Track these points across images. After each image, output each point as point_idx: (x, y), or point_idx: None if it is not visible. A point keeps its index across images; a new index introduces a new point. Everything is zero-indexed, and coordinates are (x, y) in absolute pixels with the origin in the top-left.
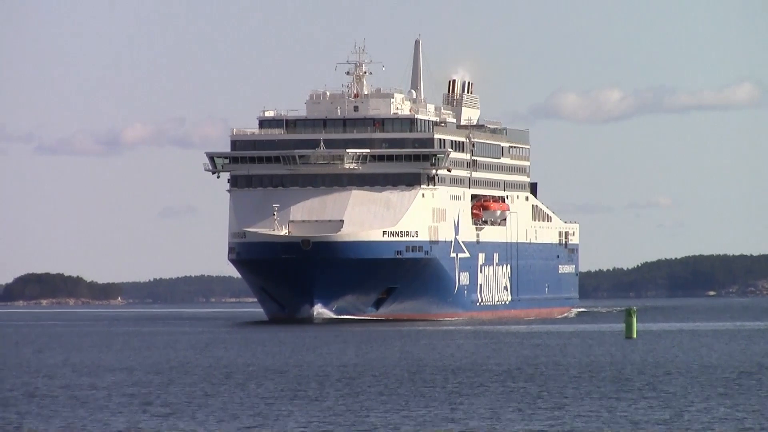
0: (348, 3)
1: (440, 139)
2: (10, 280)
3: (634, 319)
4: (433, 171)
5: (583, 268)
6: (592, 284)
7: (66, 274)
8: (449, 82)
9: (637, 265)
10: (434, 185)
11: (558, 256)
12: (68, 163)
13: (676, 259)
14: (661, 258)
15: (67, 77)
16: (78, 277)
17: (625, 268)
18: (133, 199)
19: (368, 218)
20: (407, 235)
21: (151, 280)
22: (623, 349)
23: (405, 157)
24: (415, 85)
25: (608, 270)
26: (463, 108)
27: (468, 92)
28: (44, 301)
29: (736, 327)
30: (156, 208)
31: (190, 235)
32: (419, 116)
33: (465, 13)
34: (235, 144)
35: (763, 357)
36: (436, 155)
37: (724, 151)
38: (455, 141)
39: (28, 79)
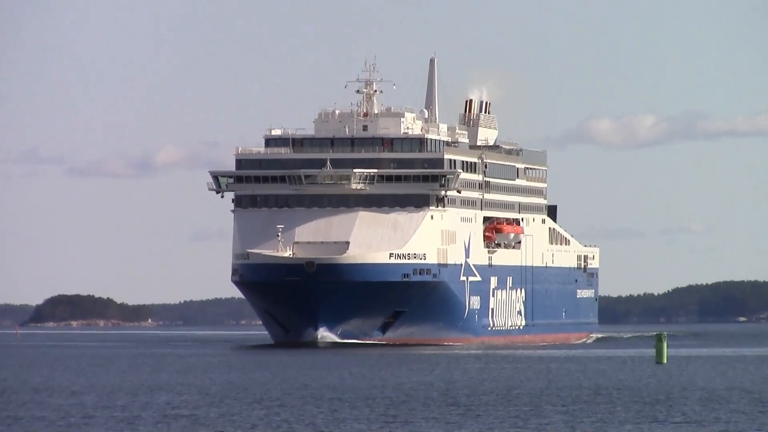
0: (362, 20)
1: (450, 160)
2: (40, 302)
3: (665, 344)
4: (443, 192)
5: (613, 294)
6: (623, 309)
7: (96, 295)
8: (466, 101)
9: (668, 291)
10: (444, 207)
11: (576, 281)
12: (99, 185)
13: (707, 284)
14: (692, 283)
15: (99, 100)
16: (108, 298)
17: (655, 294)
18: (165, 221)
19: (375, 240)
20: (415, 257)
21: (182, 302)
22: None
23: (414, 178)
24: (429, 104)
25: (639, 295)
26: (479, 128)
27: (485, 112)
28: (74, 323)
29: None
30: (187, 230)
31: (221, 257)
32: (429, 136)
33: (483, 33)
34: (240, 163)
35: None
36: (445, 176)
37: (757, 177)
38: (467, 162)
39: (60, 101)
